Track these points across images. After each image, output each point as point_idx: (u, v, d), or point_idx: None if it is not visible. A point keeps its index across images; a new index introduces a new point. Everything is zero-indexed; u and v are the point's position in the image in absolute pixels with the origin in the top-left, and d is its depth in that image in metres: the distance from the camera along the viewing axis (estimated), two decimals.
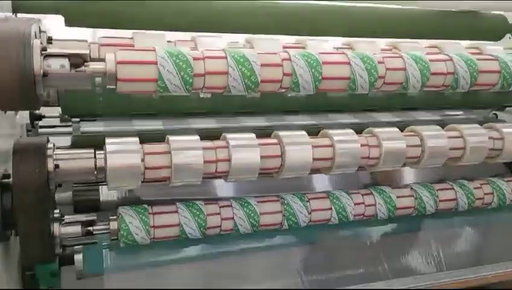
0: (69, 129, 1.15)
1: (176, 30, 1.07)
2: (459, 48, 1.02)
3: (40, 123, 1.18)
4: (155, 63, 0.71)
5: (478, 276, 1.13)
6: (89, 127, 1.11)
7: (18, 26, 0.64)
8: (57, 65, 0.67)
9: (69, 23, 0.98)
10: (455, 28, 1.28)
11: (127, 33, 1.03)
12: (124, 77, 0.70)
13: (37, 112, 1.14)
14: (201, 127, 1.08)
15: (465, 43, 1.09)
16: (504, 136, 1.05)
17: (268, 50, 0.83)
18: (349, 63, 0.82)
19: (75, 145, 1.01)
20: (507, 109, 1.48)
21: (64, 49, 0.69)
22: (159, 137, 0.87)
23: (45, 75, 0.65)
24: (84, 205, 1.03)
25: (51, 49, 0.67)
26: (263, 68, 0.77)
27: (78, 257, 0.93)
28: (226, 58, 0.75)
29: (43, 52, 0.66)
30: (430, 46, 1.03)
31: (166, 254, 0.96)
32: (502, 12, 1.35)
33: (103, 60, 0.71)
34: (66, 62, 0.67)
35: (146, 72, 0.71)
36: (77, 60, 0.69)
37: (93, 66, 0.70)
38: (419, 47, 1.00)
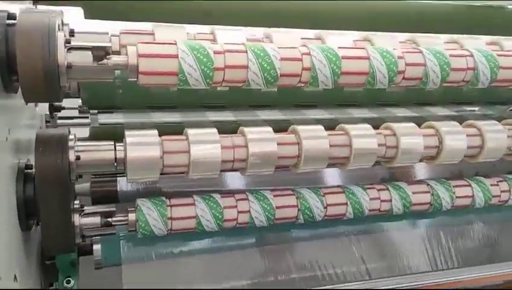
0: (87, 121, 1.17)
1: (195, 24, 1.08)
2: (479, 44, 1.01)
3: (59, 114, 1.19)
4: (176, 56, 0.71)
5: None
6: (106, 118, 1.13)
7: (42, 18, 0.65)
8: (80, 57, 0.68)
9: (88, 15, 0.99)
10: (471, 21, 1.26)
11: (147, 26, 1.05)
12: (145, 70, 0.71)
13: (56, 103, 1.15)
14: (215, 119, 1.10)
15: (485, 38, 1.08)
16: None
17: (287, 44, 0.83)
18: (368, 58, 0.82)
19: (93, 136, 1.02)
20: None
21: (87, 42, 0.70)
22: (177, 129, 0.88)
23: (69, 67, 0.66)
24: (102, 196, 1.04)
25: (74, 42, 0.67)
26: (283, 62, 0.77)
27: (96, 247, 0.95)
28: (246, 52, 0.76)
29: (66, 44, 0.66)
30: (449, 42, 1.02)
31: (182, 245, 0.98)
32: None
33: (125, 52, 0.71)
34: (89, 55, 0.68)
35: (167, 66, 0.71)
36: (100, 53, 0.70)
37: (115, 58, 0.70)
38: (439, 42, 0.99)
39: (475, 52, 0.90)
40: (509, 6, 1.29)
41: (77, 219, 0.83)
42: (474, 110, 1.46)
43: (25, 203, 0.75)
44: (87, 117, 1.19)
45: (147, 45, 0.72)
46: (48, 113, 1.17)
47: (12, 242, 0.70)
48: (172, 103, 1.05)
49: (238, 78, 0.76)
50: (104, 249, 0.95)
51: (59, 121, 1.19)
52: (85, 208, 0.87)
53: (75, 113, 1.18)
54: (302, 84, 0.81)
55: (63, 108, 1.18)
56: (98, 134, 1.02)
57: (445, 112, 1.32)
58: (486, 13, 1.22)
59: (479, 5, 1.21)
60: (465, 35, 1.05)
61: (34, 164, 0.76)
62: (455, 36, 1.06)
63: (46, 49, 0.63)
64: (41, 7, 0.95)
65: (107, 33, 0.82)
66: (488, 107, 1.38)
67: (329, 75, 0.80)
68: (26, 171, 0.77)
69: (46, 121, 1.17)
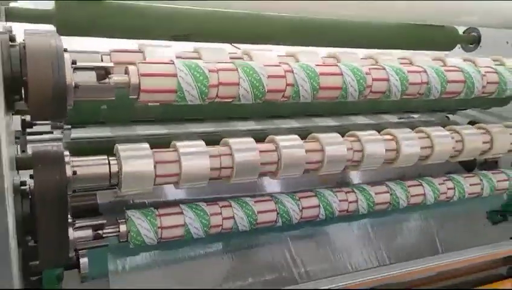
0: (56, 136, 1.17)
1: (166, 39, 1.13)
2: (426, 60, 1.14)
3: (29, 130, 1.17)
4: (175, 75, 0.76)
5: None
6: (77, 133, 1.14)
7: (49, 40, 0.68)
8: (85, 77, 0.71)
9: (60, 32, 1.01)
10: (415, 39, 1.42)
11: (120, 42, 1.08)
12: (146, 88, 0.75)
13: (27, 119, 1.14)
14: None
15: (431, 54, 1.22)
16: (464, 137, 1.19)
17: (266, 61, 0.91)
18: (342, 74, 0.92)
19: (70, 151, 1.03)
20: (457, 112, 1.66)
21: (87, 62, 0.73)
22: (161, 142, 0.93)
23: (76, 87, 0.69)
24: (83, 210, 1.05)
25: (79, 63, 0.70)
26: (269, 79, 0.85)
27: (83, 261, 0.96)
28: (237, 70, 0.82)
29: (72, 65, 0.69)
30: (401, 58, 1.15)
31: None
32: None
33: (125, 72, 0.75)
34: (93, 74, 0.71)
35: (167, 84, 0.76)
36: (101, 72, 0.73)
37: (117, 78, 0.74)
38: (394, 59, 1.11)
39: (428, 69, 1.03)
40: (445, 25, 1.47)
41: (71, 233, 0.84)
42: (413, 117, 1.63)
43: (23, 221, 0.76)
44: (51, 133, 1.19)
45: (148, 65, 0.76)
46: (17, 130, 1.15)
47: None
48: (152, 117, 1.08)
49: (230, 94, 0.83)
50: (92, 262, 0.96)
51: (29, 137, 1.17)
52: (76, 221, 0.88)
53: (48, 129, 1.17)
54: (285, 99, 0.89)
55: (35, 124, 1.17)
56: (72, 149, 1.03)
57: (395, 119, 1.47)
58: (428, 31, 1.38)
59: (422, 24, 1.36)
60: (415, 52, 1.19)
61: (29, 181, 0.77)
62: (406, 53, 1.20)
63: (56, 71, 0.66)
64: (14, 25, 0.95)
65: (98, 52, 0.85)
66: (429, 115, 1.55)
67: (309, 90, 0.89)
68: (21, 188, 0.78)
69: (16, 138, 1.15)
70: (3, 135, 0.60)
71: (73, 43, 0.92)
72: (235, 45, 1.26)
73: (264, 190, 1.25)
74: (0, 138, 0.58)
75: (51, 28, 1.06)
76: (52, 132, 1.20)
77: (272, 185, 1.25)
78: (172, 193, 1.17)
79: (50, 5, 1.05)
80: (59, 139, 1.16)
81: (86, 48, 0.90)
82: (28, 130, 1.14)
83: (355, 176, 1.41)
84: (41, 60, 0.65)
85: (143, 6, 1.04)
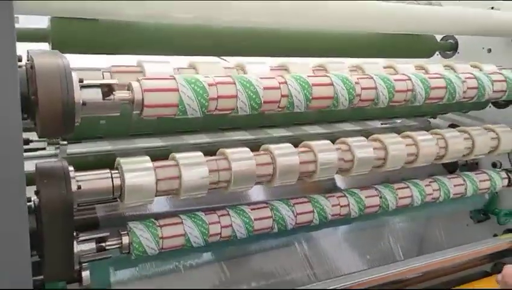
0: (51, 152, 1.19)
1: (163, 54, 1.16)
2: (409, 68, 1.20)
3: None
4: (177, 90, 0.80)
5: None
6: (72, 148, 1.16)
7: (56, 60, 0.70)
8: (91, 95, 0.73)
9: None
10: (395, 47, 1.49)
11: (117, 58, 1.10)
12: (149, 103, 0.78)
13: (24, 136, 1.15)
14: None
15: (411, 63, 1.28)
16: (447, 140, 1.25)
17: (260, 74, 0.95)
18: (332, 84, 0.96)
19: None
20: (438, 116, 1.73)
21: (90, 80, 0.76)
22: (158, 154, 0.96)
23: (84, 104, 0.71)
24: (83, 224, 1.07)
25: (86, 81, 0.73)
26: (265, 91, 0.89)
27: (85, 274, 0.98)
28: (234, 83, 0.86)
29: (80, 83, 0.72)
30: (386, 67, 1.20)
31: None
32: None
33: (127, 88, 0.78)
34: (98, 92, 0.74)
35: (169, 98, 0.79)
36: (105, 89, 0.76)
37: (121, 94, 0.77)
38: (379, 67, 1.16)
39: (412, 76, 1.08)
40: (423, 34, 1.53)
41: (76, 246, 0.86)
42: (397, 122, 1.69)
43: (30, 237, 0.77)
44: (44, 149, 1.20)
45: (150, 81, 0.79)
46: None
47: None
48: (148, 130, 1.11)
49: (228, 106, 0.86)
50: (93, 274, 0.98)
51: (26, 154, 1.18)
52: (80, 234, 0.90)
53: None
54: (280, 109, 0.93)
55: (31, 141, 1.18)
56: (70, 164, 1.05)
57: (378, 125, 1.52)
58: (407, 40, 1.44)
59: (402, 34, 1.42)
60: (398, 59, 1.25)
61: (35, 197, 0.79)
62: (389, 61, 1.25)
63: (65, 89, 0.68)
64: None
65: (100, 69, 0.87)
66: (413, 119, 1.61)
67: (303, 100, 0.93)
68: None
69: None
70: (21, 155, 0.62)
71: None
72: (223, 58, 1.30)
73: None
74: (19, 157, 0.60)
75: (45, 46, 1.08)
76: (44, 148, 1.21)
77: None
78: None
79: (45, 24, 1.07)
80: (55, 155, 1.18)
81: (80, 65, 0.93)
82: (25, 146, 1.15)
83: (341, 182, 1.46)
84: (50, 79, 0.68)
85: (139, 24, 1.06)
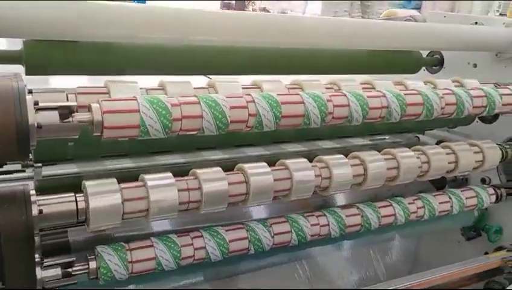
0: (27, 174, 1.17)
1: (144, 74, 1.15)
2: (387, 84, 1.19)
3: None
4: (138, 111, 0.79)
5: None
6: (48, 171, 1.14)
7: (11, 82, 0.69)
8: (47, 118, 0.72)
9: (29, 72, 1.02)
10: (381, 64, 1.48)
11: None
12: (110, 125, 0.77)
13: None
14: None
15: (390, 78, 1.27)
16: (430, 157, 1.23)
17: (229, 92, 0.94)
18: (303, 102, 0.95)
19: (39, 189, 1.03)
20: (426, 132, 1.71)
21: (51, 102, 0.75)
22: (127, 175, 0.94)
23: (39, 127, 0.70)
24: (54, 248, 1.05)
25: (42, 103, 0.72)
26: (232, 110, 0.87)
27: None
28: (199, 103, 0.85)
29: (35, 106, 0.71)
30: (363, 83, 1.19)
31: None
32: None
33: (88, 109, 0.77)
34: (56, 114, 0.73)
35: (130, 120, 0.78)
36: (64, 111, 0.75)
37: (80, 116, 0.76)
38: (356, 84, 1.15)
39: (387, 93, 1.07)
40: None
41: (39, 273, 0.84)
42: (385, 138, 1.67)
43: None
44: (24, 171, 1.19)
45: (110, 102, 0.78)
46: None
47: None
48: (119, 151, 1.09)
49: (193, 127, 0.85)
50: None
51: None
52: (44, 260, 0.88)
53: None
54: (248, 129, 0.92)
55: (5, 163, 1.17)
56: (44, 187, 1.04)
57: (362, 142, 1.50)
58: (393, 56, 1.43)
59: (388, 50, 1.41)
60: (375, 76, 1.23)
61: None
62: (367, 77, 1.24)
63: (18, 113, 0.67)
64: None
65: (64, 91, 0.86)
66: (400, 136, 1.59)
67: (271, 119, 0.91)
68: None
69: None
70: None
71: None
72: (209, 76, 1.29)
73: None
74: None
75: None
76: (24, 170, 1.20)
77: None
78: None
79: (18, 46, 1.06)
80: (30, 178, 1.17)
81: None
82: None
83: (331, 198, 1.43)
84: (3, 103, 0.67)
85: (116, 45, 1.05)
